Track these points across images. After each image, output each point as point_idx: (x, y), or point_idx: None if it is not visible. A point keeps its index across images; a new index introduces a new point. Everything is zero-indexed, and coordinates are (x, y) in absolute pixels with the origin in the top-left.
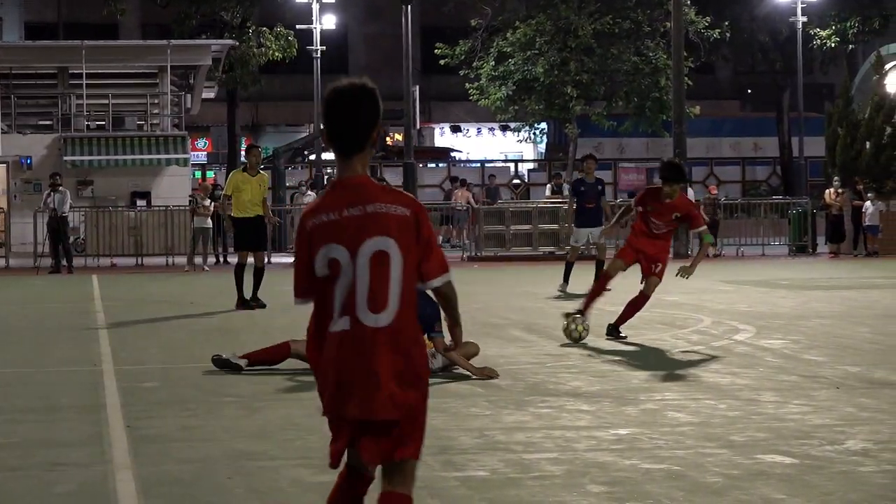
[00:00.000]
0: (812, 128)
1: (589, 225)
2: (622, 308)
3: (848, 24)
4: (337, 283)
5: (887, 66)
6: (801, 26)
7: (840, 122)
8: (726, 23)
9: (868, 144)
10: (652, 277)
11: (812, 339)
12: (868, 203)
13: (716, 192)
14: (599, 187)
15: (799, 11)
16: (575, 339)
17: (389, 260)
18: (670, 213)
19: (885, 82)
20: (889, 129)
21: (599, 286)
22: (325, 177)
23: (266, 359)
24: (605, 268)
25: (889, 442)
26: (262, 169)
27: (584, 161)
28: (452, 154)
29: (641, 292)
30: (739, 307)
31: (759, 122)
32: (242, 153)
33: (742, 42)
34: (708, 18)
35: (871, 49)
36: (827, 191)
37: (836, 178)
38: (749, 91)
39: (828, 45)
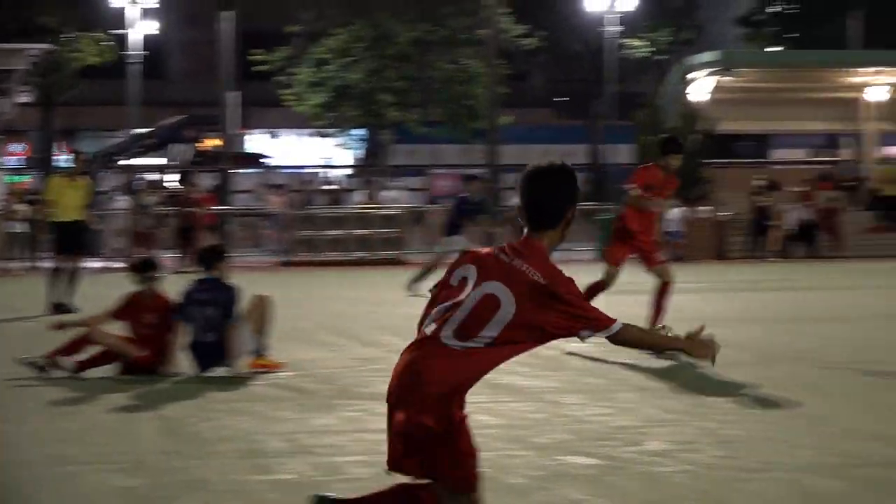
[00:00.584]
0: (623, 136)
1: (458, 235)
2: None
3: (660, 35)
4: (452, 296)
5: (694, 76)
6: (612, 36)
7: (648, 130)
8: (541, 32)
9: None
10: (657, 267)
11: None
12: (673, 209)
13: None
14: (481, 207)
15: (611, 22)
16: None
17: (499, 306)
18: (669, 188)
19: (690, 91)
20: (695, 138)
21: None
22: (139, 182)
23: (72, 349)
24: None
25: (689, 443)
26: (81, 174)
27: (469, 181)
28: (268, 160)
29: (663, 282)
30: None
31: (572, 129)
32: (61, 157)
33: (556, 51)
34: (523, 27)
35: (681, 58)
36: None
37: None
38: (562, 99)
39: (640, 55)
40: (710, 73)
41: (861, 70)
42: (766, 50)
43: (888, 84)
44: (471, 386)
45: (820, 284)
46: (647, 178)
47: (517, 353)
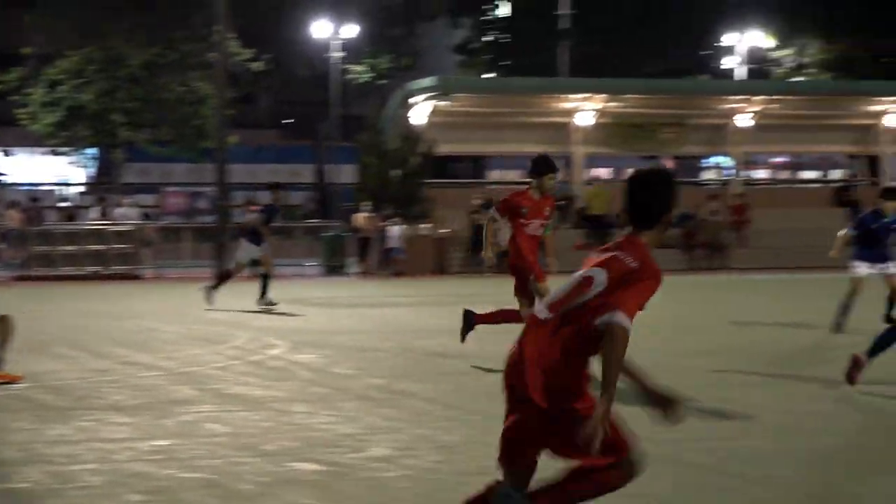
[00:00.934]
0: (346, 156)
1: (259, 243)
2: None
3: (381, 61)
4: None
5: (414, 100)
6: (336, 62)
7: (371, 151)
8: (268, 56)
9: (396, 172)
10: (544, 285)
11: (342, 353)
12: (394, 227)
13: (257, 210)
14: (278, 215)
15: (335, 48)
16: None
17: (592, 282)
18: (546, 208)
19: (410, 115)
20: (415, 159)
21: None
22: None
23: None
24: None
25: (408, 449)
26: None
27: (272, 189)
28: (2, 177)
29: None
30: (275, 324)
31: (298, 150)
32: None
33: (283, 74)
34: (250, 51)
35: (402, 83)
36: (357, 215)
37: (365, 203)
38: (288, 121)
39: (362, 79)
40: (429, 98)
41: (570, 96)
42: (481, 76)
43: (594, 110)
44: (579, 355)
45: None
46: (516, 204)
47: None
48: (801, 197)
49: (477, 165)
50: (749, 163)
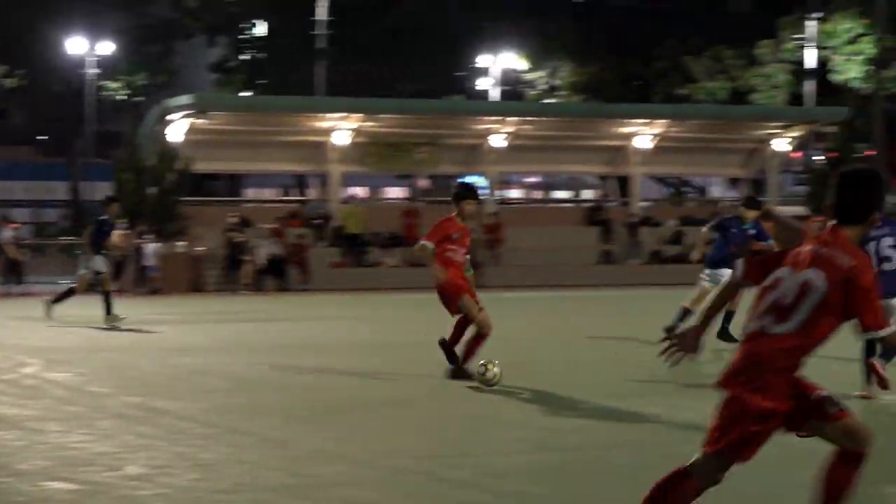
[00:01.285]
0: (102, 173)
1: (101, 254)
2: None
3: (137, 79)
4: (769, 293)
5: (171, 117)
6: (92, 78)
7: (127, 168)
8: (22, 71)
9: (152, 190)
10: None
11: (98, 371)
12: (149, 244)
13: (17, 227)
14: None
15: (91, 64)
16: (493, 383)
17: (813, 289)
18: (467, 238)
19: (167, 132)
20: (171, 176)
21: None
22: None
23: None
24: (475, 325)
25: (165, 467)
26: None
27: (108, 203)
28: None
29: (480, 331)
30: (29, 342)
31: (52, 167)
32: None
33: (37, 90)
34: (4, 67)
35: (158, 100)
36: (112, 232)
37: (121, 220)
38: (43, 137)
39: (118, 96)
40: (185, 116)
41: (327, 115)
42: (239, 95)
43: (350, 129)
44: (799, 364)
45: (289, 315)
46: (448, 230)
47: (831, 329)
48: (554, 216)
49: (233, 183)
50: (503, 182)
